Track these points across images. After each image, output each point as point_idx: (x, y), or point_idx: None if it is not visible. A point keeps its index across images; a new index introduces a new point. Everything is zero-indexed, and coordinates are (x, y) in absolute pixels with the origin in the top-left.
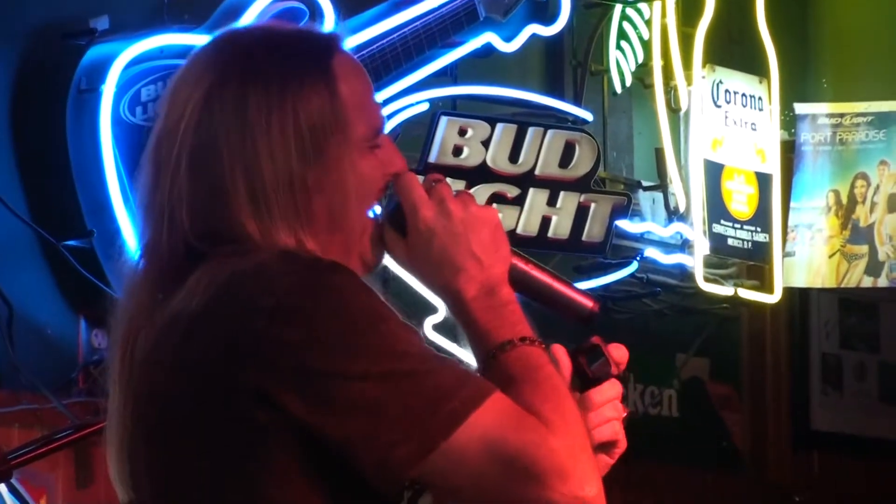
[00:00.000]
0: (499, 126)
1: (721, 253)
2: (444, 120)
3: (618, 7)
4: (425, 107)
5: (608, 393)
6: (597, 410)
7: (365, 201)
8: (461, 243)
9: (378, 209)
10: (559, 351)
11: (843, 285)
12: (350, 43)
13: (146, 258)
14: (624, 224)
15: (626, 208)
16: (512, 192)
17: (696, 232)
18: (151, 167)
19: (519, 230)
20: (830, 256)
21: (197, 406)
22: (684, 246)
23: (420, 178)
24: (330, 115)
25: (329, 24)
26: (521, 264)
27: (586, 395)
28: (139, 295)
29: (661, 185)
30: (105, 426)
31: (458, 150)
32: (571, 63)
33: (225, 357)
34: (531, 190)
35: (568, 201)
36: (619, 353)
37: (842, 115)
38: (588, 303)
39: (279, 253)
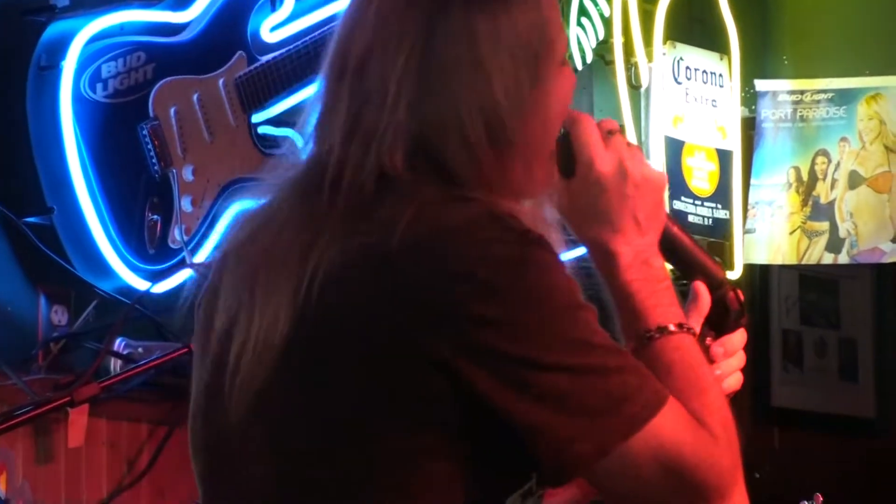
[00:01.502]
0: None
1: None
2: None
3: None
4: None
5: (741, 341)
6: (728, 359)
7: (560, 122)
8: (628, 206)
9: None
10: (701, 288)
11: (803, 262)
12: (310, 20)
13: (332, 187)
14: None
15: None
16: None
17: None
18: (357, 91)
19: None
20: (791, 233)
21: (366, 348)
22: None
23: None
24: (545, 33)
25: (289, 2)
26: (672, 227)
27: (722, 341)
28: (310, 217)
29: None
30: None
31: None
32: None
33: (414, 313)
34: None
35: None
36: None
37: (802, 92)
38: (721, 272)
39: (488, 212)
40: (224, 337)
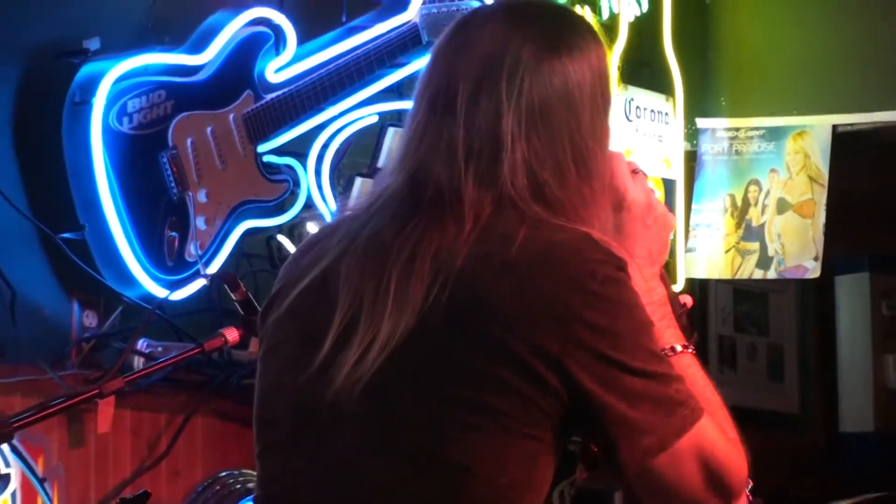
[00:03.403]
0: None
1: None
2: (390, 131)
3: None
4: (375, 119)
5: None
6: None
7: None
8: (646, 235)
9: None
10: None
11: (737, 277)
12: (309, 63)
13: (451, 206)
14: None
15: None
16: None
17: None
18: (470, 123)
19: None
20: (726, 252)
21: (486, 339)
22: None
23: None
24: (607, 83)
25: (291, 47)
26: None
27: None
28: (435, 230)
29: None
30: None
31: None
32: None
33: (532, 313)
34: None
35: None
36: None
37: (738, 129)
38: (688, 299)
39: (586, 235)
40: (347, 323)
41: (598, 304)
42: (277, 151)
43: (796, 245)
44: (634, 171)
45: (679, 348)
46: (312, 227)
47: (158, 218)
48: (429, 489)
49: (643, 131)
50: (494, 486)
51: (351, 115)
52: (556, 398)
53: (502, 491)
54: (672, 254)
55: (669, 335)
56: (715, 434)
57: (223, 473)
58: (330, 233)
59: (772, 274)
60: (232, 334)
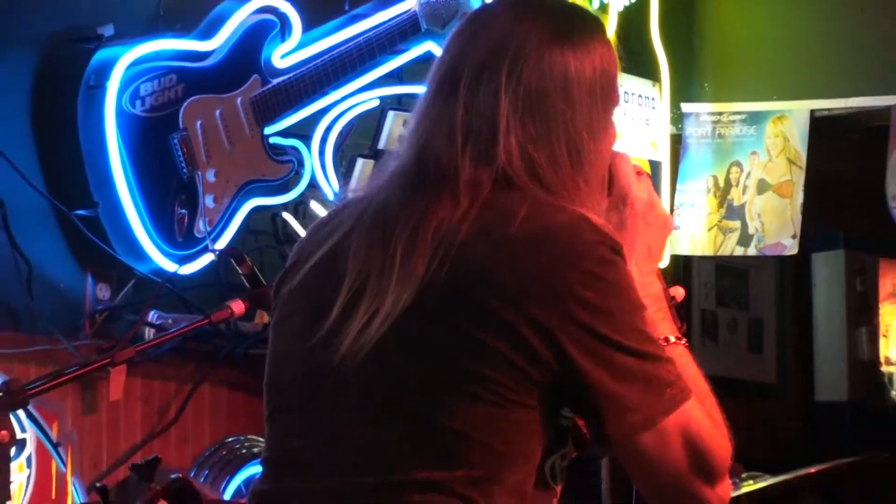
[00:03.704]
0: None
1: None
2: (391, 114)
3: None
4: (376, 103)
5: None
6: None
7: (609, 155)
8: (646, 233)
9: None
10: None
11: (719, 254)
12: (313, 49)
13: (452, 182)
14: None
15: None
16: None
17: None
18: (470, 105)
19: None
20: (709, 230)
21: (484, 309)
22: None
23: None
24: (612, 82)
25: (296, 34)
26: None
27: None
28: (435, 204)
29: None
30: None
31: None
32: None
33: (529, 287)
34: None
35: None
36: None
37: (720, 114)
38: (679, 292)
39: (584, 217)
40: (353, 294)
41: (592, 283)
42: (283, 133)
43: (775, 223)
44: (639, 173)
45: (672, 339)
46: (316, 206)
47: (169, 196)
48: (425, 454)
49: (631, 115)
50: (489, 451)
51: (353, 99)
52: (548, 370)
53: (496, 456)
54: None
55: (664, 327)
56: (701, 416)
57: (230, 439)
58: (342, 209)
59: (752, 251)
60: (238, 306)
